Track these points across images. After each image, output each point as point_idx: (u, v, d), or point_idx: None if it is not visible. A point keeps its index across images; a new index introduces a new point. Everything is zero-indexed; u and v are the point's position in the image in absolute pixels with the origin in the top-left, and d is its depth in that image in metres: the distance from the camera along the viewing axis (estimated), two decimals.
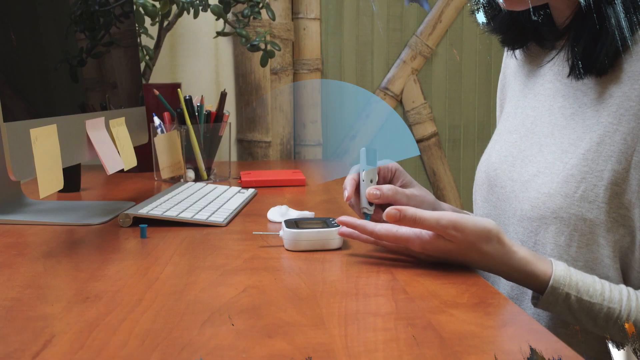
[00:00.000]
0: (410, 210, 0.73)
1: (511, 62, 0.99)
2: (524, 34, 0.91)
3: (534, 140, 0.87)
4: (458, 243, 0.73)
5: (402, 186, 0.92)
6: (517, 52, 0.96)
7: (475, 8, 0.93)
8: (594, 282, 0.73)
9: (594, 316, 0.72)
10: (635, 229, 0.76)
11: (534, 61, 0.94)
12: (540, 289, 0.73)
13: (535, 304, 0.74)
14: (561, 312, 0.73)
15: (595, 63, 0.79)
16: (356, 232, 0.80)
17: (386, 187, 0.87)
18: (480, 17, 0.93)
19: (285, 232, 0.85)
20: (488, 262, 0.73)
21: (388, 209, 0.75)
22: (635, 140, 0.74)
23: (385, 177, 0.93)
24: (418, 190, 0.92)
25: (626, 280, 0.78)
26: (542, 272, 0.72)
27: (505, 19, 0.91)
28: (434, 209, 0.94)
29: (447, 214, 0.72)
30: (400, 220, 0.74)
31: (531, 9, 0.88)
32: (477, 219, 0.73)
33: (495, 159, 0.93)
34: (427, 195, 0.93)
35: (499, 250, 0.72)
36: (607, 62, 0.78)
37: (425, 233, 0.74)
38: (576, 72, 0.81)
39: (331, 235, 0.85)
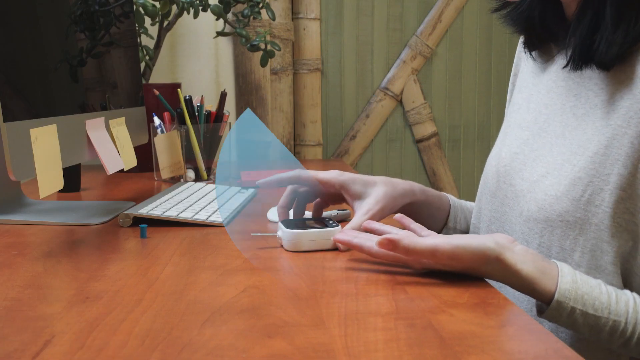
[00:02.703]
0: (404, 242, 0.71)
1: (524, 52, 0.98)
2: (539, 34, 0.90)
3: (545, 140, 0.85)
4: (457, 268, 0.72)
5: (354, 197, 0.90)
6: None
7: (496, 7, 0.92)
8: (601, 293, 0.71)
9: (598, 330, 0.70)
10: (639, 234, 0.75)
11: (547, 56, 0.92)
12: (546, 302, 0.71)
13: (540, 311, 0.73)
14: (565, 325, 0.71)
15: (593, 54, 0.77)
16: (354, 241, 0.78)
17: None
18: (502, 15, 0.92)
19: (284, 233, 0.85)
20: (490, 278, 0.72)
21: (380, 239, 0.72)
22: None
23: (329, 192, 0.92)
24: (373, 198, 0.88)
25: (627, 286, 0.77)
26: (546, 290, 0.70)
27: (523, 16, 0.89)
28: (406, 201, 0.92)
29: (442, 245, 0.70)
30: (394, 250, 0.72)
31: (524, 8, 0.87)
32: (474, 242, 0.70)
33: (506, 155, 0.91)
34: (390, 191, 0.89)
35: (500, 270, 0.70)
36: (608, 53, 0.76)
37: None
38: (573, 63, 0.80)
39: (331, 235, 0.85)
